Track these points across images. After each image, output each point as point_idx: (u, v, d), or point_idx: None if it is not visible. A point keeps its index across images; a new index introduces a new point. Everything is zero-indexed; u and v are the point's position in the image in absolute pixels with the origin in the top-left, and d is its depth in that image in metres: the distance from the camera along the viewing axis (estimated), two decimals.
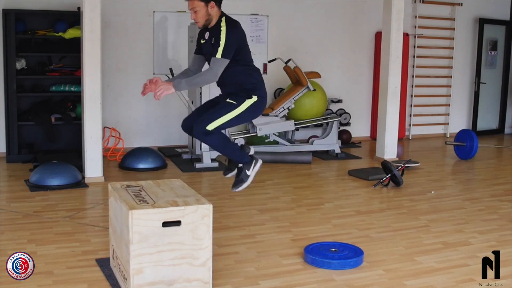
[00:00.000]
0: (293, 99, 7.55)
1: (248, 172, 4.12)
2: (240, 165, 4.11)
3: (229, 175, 4.28)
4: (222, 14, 3.91)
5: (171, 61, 8.08)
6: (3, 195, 5.67)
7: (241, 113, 3.95)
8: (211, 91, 7.04)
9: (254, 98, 3.99)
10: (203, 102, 7.03)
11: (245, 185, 4.16)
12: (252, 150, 4.16)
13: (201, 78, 3.85)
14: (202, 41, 4.04)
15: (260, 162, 4.17)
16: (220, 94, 4.25)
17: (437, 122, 10.02)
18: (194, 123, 3.96)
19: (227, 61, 3.77)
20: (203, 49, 4.04)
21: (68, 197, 5.57)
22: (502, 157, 8.63)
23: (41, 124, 7.17)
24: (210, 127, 3.87)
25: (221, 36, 3.74)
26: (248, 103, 3.96)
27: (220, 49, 3.71)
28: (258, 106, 4.04)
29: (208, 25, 3.91)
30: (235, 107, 3.94)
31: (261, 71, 8.52)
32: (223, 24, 3.80)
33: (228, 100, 3.96)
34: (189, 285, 3.34)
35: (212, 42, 3.86)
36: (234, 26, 3.86)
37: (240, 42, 3.90)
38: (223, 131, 4.07)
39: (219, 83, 4.12)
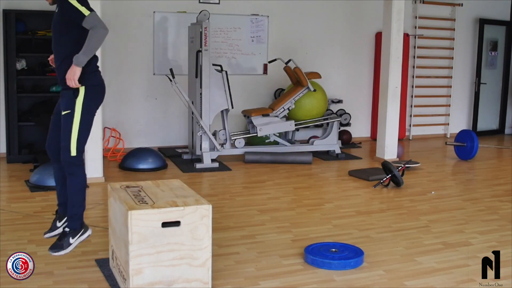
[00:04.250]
0: (293, 100, 7.55)
1: (71, 240, 3.57)
2: (67, 229, 3.57)
3: (48, 235, 3.71)
4: None
5: (171, 61, 8.08)
6: (3, 196, 5.67)
7: (81, 117, 3.40)
8: (211, 91, 7.05)
9: (82, 90, 3.41)
10: (203, 101, 7.05)
11: (62, 253, 3.58)
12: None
13: (94, 39, 3.30)
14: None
15: (89, 232, 3.65)
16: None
17: (438, 123, 10.01)
18: (61, 152, 3.46)
19: (95, 12, 3.33)
20: (52, 25, 3.53)
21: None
22: (503, 157, 8.62)
23: (42, 124, 7.17)
24: (73, 151, 3.40)
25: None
26: (80, 101, 3.40)
27: (81, 8, 3.29)
28: (92, 95, 3.45)
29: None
30: (72, 116, 3.40)
31: (262, 72, 8.64)
32: None
33: (63, 112, 3.44)
34: (188, 285, 3.33)
35: (57, 11, 3.46)
36: None
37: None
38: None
39: (59, 79, 3.55)
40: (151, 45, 8.02)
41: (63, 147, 3.43)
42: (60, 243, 3.56)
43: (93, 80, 3.48)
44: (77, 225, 3.55)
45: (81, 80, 3.40)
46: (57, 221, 3.67)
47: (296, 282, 3.69)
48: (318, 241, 4.32)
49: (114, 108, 7.80)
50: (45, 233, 3.70)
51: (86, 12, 3.29)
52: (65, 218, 3.65)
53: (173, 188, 3.70)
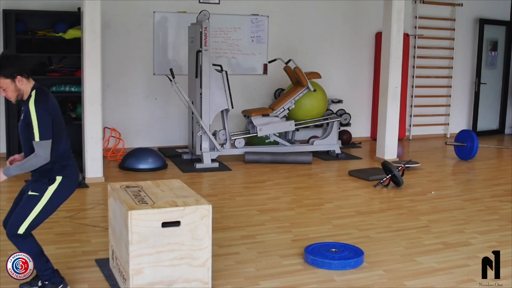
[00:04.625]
0: (293, 100, 7.55)
1: None
2: (46, 282, 3.45)
3: None
4: (34, 87, 3.36)
5: (171, 61, 8.08)
6: (3, 195, 5.66)
7: (46, 204, 3.36)
8: (211, 91, 7.05)
9: (58, 180, 3.39)
10: (203, 101, 7.05)
11: None
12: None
13: (28, 163, 3.31)
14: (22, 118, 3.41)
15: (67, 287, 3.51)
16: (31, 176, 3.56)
17: (438, 123, 10.01)
18: (8, 223, 3.40)
19: (50, 141, 3.28)
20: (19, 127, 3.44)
21: (68, 198, 5.55)
22: (503, 157, 8.62)
23: None
24: (21, 229, 3.32)
25: (32, 115, 3.25)
26: (51, 189, 3.38)
27: (36, 131, 3.24)
28: (65, 188, 3.43)
29: (22, 99, 3.37)
30: (38, 199, 3.36)
31: (262, 72, 8.64)
32: (31, 100, 3.28)
33: (30, 192, 3.40)
34: (188, 285, 3.33)
35: (22, 118, 3.35)
36: (43, 100, 3.31)
37: (53, 114, 3.34)
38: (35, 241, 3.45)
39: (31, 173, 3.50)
40: (151, 45, 8.02)
41: (13, 221, 3.36)
42: None
43: (68, 173, 3.44)
44: (57, 280, 3.45)
45: (59, 171, 3.40)
46: (39, 281, 3.54)
47: (296, 282, 3.69)
48: (318, 241, 4.32)
49: (114, 108, 7.80)
50: (22, 285, 3.55)
51: (37, 138, 3.24)
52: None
53: (173, 188, 3.70)
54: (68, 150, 3.48)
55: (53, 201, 3.41)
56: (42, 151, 3.26)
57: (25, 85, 3.32)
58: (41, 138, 3.24)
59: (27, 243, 3.38)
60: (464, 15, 9.84)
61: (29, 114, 3.25)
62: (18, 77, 3.26)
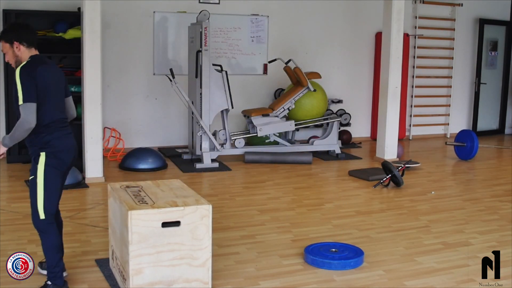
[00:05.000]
0: (293, 100, 7.55)
1: None
2: (49, 282, 3.44)
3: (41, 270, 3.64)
4: (32, 56, 3.51)
5: (171, 61, 8.08)
6: (3, 195, 5.67)
7: (45, 183, 3.38)
8: (211, 91, 7.05)
9: (42, 156, 3.37)
10: (203, 101, 7.05)
11: None
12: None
13: (16, 130, 3.32)
14: None
15: None
16: None
17: (438, 123, 10.01)
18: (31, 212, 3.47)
19: (33, 104, 3.29)
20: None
21: (69, 198, 5.56)
22: (503, 157, 8.62)
23: None
24: (41, 215, 3.40)
25: (16, 79, 3.33)
26: (40, 168, 3.38)
27: (20, 94, 3.30)
28: (53, 164, 3.40)
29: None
30: (35, 181, 3.39)
31: (262, 72, 8.64)
32: (19, 67, 3.39)
33: (30, 177, 3.45)
34: (188, 285, 3.33)
35: (14, 86, 3.41)
36: (29, 66, 3.39)
37: (40, 81, 3.36)
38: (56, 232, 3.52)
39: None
40: (151, 45, 8.02)
41: (32, 212, 3.43)
42: None
43: (54, 147, 3.42)
44: (60, 282, 3.44)
45: (42, 147, 3.40)
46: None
47: (296, 282, 3.69)
48: (318, 241, 4.32)
49: (114, 108, 7.80)
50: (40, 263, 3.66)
51: (20, 100, 3.30)
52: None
53: (173, 188, 3.70)
54: (55, 123, 3.44)
55: (49, 177, 3.41)
56: (26, 114, 3.28)
57: (23, 53, 3.50)
58: (24, 100, 3.29)
59: (50, 235, 3.45)
60: (464, 15, 9.84)
61: (15, 79, 3.35)
62: (16, 43, 3.47)
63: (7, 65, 6.98)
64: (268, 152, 7.47)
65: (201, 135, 7.09)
